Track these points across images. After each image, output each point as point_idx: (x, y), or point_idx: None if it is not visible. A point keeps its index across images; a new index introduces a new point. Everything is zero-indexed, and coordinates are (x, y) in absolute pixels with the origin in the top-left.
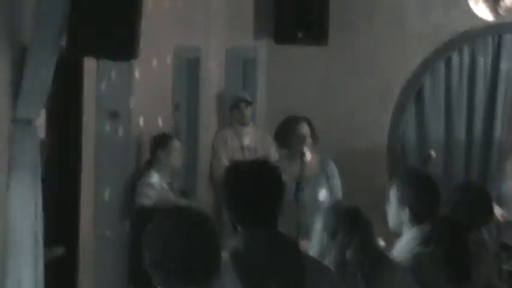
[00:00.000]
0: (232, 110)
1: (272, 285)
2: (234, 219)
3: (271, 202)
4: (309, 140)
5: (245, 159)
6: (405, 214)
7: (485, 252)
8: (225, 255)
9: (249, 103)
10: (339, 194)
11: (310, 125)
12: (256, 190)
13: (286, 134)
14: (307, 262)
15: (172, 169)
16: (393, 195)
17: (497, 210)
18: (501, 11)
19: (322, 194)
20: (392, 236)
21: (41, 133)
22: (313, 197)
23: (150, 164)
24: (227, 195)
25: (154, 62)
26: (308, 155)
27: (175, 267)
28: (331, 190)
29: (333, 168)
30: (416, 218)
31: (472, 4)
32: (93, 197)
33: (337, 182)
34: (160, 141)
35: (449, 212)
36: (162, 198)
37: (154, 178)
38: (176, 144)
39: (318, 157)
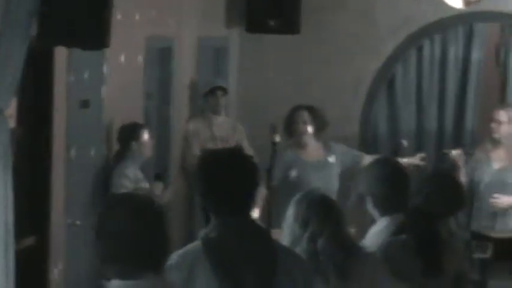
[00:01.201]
0: (208, 97)
1: (245, 274)
2: (207, 207)
3: (244, 191)
4: (307, 130)
5: (218, 148)
6: (370, 202)
7: (455, 240)
8: (197, 243)
9: (225, 91)
10: (361, 157)
11: (313, 112)
12: (228, 178)
13: (288, 123)
14: (279, 251)
15: (144, 158)
16: None
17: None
18: (472, 0)
19: (332, 176)
20: (364, 225)
21: (12, 122)
22: (323, 182)
23: (122, 154)
24: (200, 183)
25: (126, 51)
26: (311, 143)
27: (127, 256)
28: (352, 159)
29: (338, 147)
30: (387, 207)
31: None
32: (64, 186)
33: (347, 152)
34: (132, 132)
35: (422, 201)
36: (137, 188)
37: (129, 169)
38: (147, 133)
39: (322, 143)
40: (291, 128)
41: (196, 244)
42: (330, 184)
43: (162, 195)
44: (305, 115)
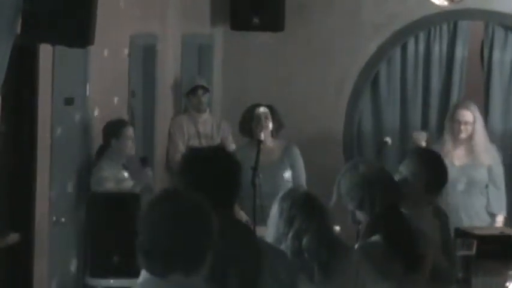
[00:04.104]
0: (189, 96)
1: (228, 270)
2: None
3: (227, 188)
4: (268, 126)
5: (201, 146)
6: None
7: (430, 235)
8: None
9: (206, 90)
10: (302, 180)
11: (272, 111)
12: (212, 176)
13: (246, 120)
14: (263, 247)
15: (126, 156)
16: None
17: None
18: None
19: (284, 179)
20: (348, 223)
21: None
22: (273, 183)
23: (101, 152)
24: (183, 181)
25: (111, 49)
26: (268, 141)
27: (160, 254)
28: (294, 176)
29: (297, 154)
30: None
31: None
32: (49, 183)
33: (300, 168)
34: (113, 129)
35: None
36: (119, 189)
37: (106, 170)
38: (129, 131)
39: (282, 143)
40: (247, 126)
41: None
42: (278, 185)
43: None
44: (265, 112)
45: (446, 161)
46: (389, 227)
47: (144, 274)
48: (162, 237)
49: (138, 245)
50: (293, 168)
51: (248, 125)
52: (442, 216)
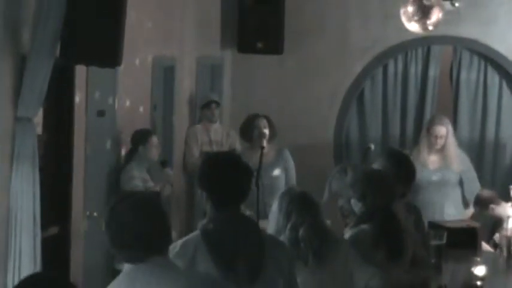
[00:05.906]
0: (204, 109)
1: (237, 259)
2: (210, 201)
3: (240, 188)
4: (267, 134)
5: (218, 152)
6: None
7: (409, 226)
8: (197, 233)
9: (218, 104)
10: (294, 179)
11: (269, 121)
12: (228, 177)
13: (248, 129)
14: (266, 239)
15: (150, 161)
16: None
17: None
18: (429, 26)
19: (277, 177)
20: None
21: (39, 129)
22: (270, 182)
23: (130, 156)
24: (204, 181)
25: (136, 69)
26: (266, 147)
27: (133, 244)
28: (286, 175)
29: (288, 157)
30: None
31: (404, 20)
32: (83, 183)
33: (292, 169)
34: (141, 137)
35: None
36: (146, 187)
37: (135, 170)
38: (154, 139)
39: (275, 146)
40: (249, 133)
41: (195, 234)
42: (272, 181)
43: (170, 183)
44: (264, 122)
45: (423, 167)
46: (381, 219)
47: (126, 266)
48: (133, 231)
49: (111, 242)
50: (286, 169)
51: (249, 132)
52: (415, 212)
